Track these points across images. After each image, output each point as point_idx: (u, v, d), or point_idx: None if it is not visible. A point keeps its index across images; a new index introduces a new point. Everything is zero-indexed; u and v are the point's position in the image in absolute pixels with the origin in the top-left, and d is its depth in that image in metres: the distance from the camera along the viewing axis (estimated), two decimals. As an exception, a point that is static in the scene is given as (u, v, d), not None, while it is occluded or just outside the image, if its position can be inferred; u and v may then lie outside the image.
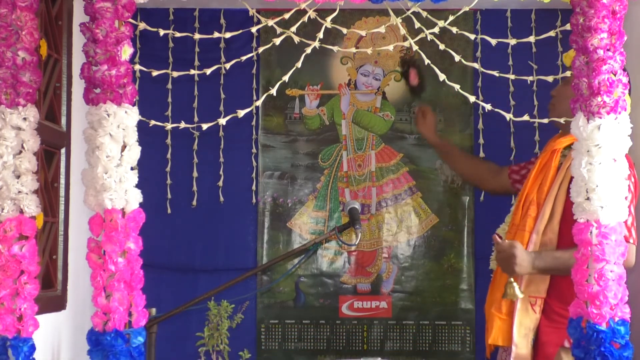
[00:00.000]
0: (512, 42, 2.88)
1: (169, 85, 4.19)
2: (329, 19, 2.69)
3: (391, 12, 2.73)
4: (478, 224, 4.24)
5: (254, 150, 4.29)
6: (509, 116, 2.74)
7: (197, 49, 4.20)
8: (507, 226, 3.29)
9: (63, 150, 3.42)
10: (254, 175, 4.28)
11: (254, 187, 4.28)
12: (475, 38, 2.95)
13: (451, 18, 2.71)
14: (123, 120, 2.41)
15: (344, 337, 4.25)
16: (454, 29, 2.73)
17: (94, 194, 2.40)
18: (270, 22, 2.69)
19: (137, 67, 2.69)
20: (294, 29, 2.66)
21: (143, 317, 2.44)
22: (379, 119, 4.32)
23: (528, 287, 3.06)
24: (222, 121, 2.76)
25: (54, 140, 3.35)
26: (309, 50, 2.69)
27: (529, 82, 3.12)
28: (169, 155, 4.24)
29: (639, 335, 2.98)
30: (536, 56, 4.16)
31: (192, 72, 2.83)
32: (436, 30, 2.71)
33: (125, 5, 2.39)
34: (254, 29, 2.81)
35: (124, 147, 2.42)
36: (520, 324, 3.04)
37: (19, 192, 2.47)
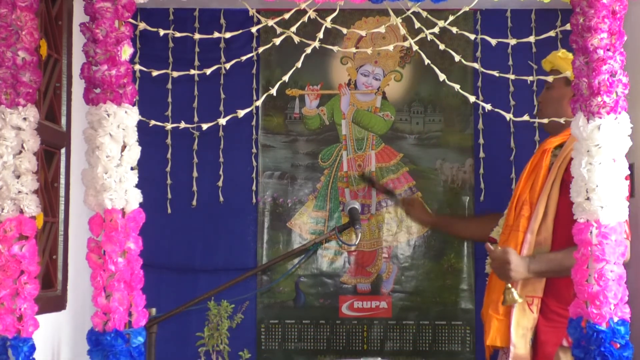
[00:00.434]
0: (512, 42, 2.88)
1: (169, 85, 4.19)
2: (329, 19, 2.69)
3: (391, 12, 2.73)
4: (478, 224, 4.24)
5: (254, 150, 4.29)
6: (509, 116, 2.74)
7: (197, 49, 4.20)
8: (501, 228, 3.29)
9: (63, 150, 3.42)
10: (254, 175, 4.28)
11: (254, 187, 4.28)
12: (475, 38, 2.95)
13: (451, 18, 2.71)
14: (123, 120, 2.41)
15: (344, 337, 4.25)
16: (454, 29, 2.73)
17: (94, 194, 2.40)
18: (270, 22, 2.69)
19: (137, 67, 2.69)
20: (294, 29, 2.66)
21: (143, 317, 2.43)
22: (379, 119, 4.32)
23: (525, 287, 3.06)
24: (222, 121, 2.76)
25: (54, 140, 3.35)
26: (309, 50, 2.69)
27: (529, 82, 3.12)
28: (169, 155, 4.24)
29: (639, 335, 2.98)
30: (536, 56, 4.15)
31: (192, 72, 2.83)
32: (436, 30, 2.71)
33: (125, 5, 2.39)
34: (254, 29, 2.82)
35: (124, 147, 2.42)
36: (517, 324, 3.04)
37: (19, 192, 2.47)
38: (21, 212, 2.48)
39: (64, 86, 3.44)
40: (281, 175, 4.31)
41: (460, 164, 4.30)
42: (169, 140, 4.21)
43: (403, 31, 2.85)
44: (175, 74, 2.77)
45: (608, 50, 2.40)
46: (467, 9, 2.77)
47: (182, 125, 2.72)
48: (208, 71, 2.73)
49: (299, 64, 2.71)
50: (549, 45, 3.82)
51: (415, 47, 2.71)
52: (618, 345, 2.34)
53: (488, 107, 2.78)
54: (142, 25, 2.64)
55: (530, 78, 2.97)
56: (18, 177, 2.49)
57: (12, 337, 2.43)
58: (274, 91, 2.73)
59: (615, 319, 2.35)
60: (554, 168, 3.11)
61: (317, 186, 4.31)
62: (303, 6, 2.58)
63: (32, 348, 2.46)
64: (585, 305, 2.38)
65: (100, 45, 2.38)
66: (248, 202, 4.28)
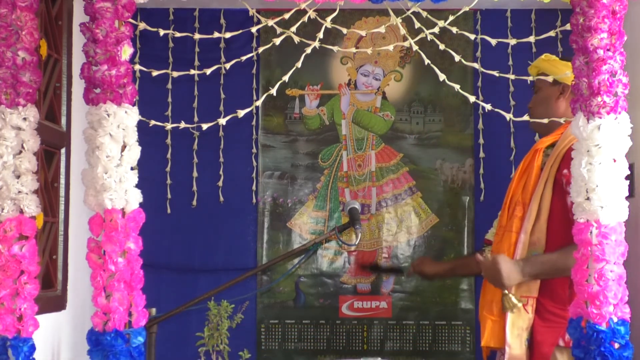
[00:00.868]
0: (512, 42, 2.87)
1: (169, 85, 4.19)
2: (329, 19, 2.69)
3: (391, 12, 2.73)
4: (478, 224, 4.24)
5: (254, 150, 4.29)
6: (509, 116, 2.74)
7: (197, 49, 4.21)
8: (496, 229, 3.28)
9: (63, 150, 3.42)
10: (254, 175, 4.29)
11: (254, 187, 4.28)
12: (475, 38, 2.95)
13: (451, 18, 2.71)
14: (123, 120, 2.40)
15: (344, 337, 4.25)
16: (454, 29, 2.73)
17: (94, 194, 2.39)
18: (270, 22, 2.69)
19: (137, 67, 2.69)
20: (294, 29, 2.66)
21: (143, 317, 2.43)
22: (379, 119, 4.32)
23: (519, 288, 3.05)
24: (222, 121, 2.75)
25: (54, 140, 3.35)
26: (309, 50, 2.69)
27: (529, 82, 3.12)
28: (169, 155, 4.24)
29: (639, 335, 2.98)
30: (536, 56, 4.09)
31: (192, 72, 2.82)
32: (436, 30, 2.71)
33: (125, 5, 2.39)
34: (254, 29, 2.81)
35: (124, 147, 2.42)
36: (513, 325, 3.03)
37: (19, 192, 2.47)
38: (21, 212, 2.47)
39: (64, 86, 3.44)
40: (281, 175, 4.31)
41: (460, 164, 4.30)
42: (169, 140, 4.21)
43: (403, 31, 2.85)
44: (175, 74, 2.77)
45: (608, 50, 2.39)
46: (467, 9, 2.77)
47: (182, 125, 2.72)
48: (208, 71, 2.73)
49: (299, 64, 2.71)
50: (549, 45, 3.82)
51: (415, 47, 2.71)
52: (618, 345, 2.34)
53: (488, 107, 2.78)
54: (142, 25, 2.64)
55: (530, 78, 2.97)
56: (18, 177, 2.48)
57: (12, 337, 2.42)
58: (274, 91, 2.73)
59: (615, 319, 2.35)
60: (546, 168, 3.10)
61: (317, 186, 4.31)
62: (303, 6, 2.58)
63: (32, 348, 2.45)
64: (585, 305, 2.38)
65: (100, 45, 2.38)
66: (248, 202, 4.28)
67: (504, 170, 4.21)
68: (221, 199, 4.26)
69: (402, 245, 4.29)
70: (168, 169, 4.24)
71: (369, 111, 4.33)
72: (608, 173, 2.38)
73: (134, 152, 2.44)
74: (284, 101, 4.32)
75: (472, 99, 2.78)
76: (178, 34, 2.73)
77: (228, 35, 2.79)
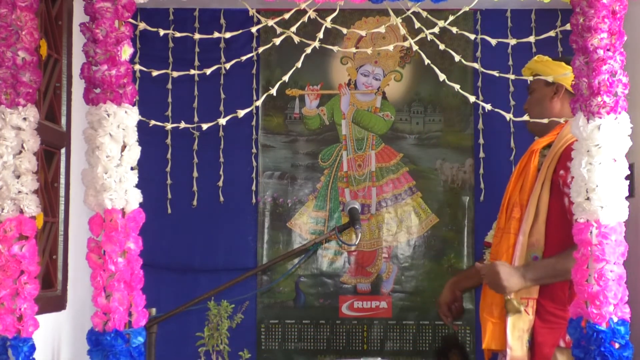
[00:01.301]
0: (512, 42, 2.87)
1: (169, 85, 4.19)
2: (329, 19, 2.69)
3: (391, 12, 2.73)
4: (478, 224, 4.24)
5: (254, 150, 4.29)
6: (509, 116, 2.73)
7: (197, 49, 4.20)
8: (494, 231, 3.28)
9: (63, 150, 3.42)
10: (254, 175, 4.29)
11: (254, 187, 4.28)
12: (475, 38, 2.94)
13: (451, 18, 2.71)
14: (123, 120, 2.40)
15: (344, 337, 4.25)
16: (454, 29, 2.72)
17: (94, 194, 2.39)
18: (270, 22, 2.68)
19: (137, 67, 2.69)
20: (294, 29, 2.66)
21: (143, 317, 2.43)
22: (379, 119, 4.32)
23: (519, 290, 3.05)
24: (222, 121, 2.75)
25: (54, 140, 3.35)
26: (309, 50, 2.69)
27: (528, 82, 3.12)
28: (169, 155, 4.24)
29: (639, 335, 2.98)
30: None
31: (192, 72, 2.82)
32: (436, 30, 2.71)
33: (125, 5, 2.39)
34: (254, 29, 2.81)
35: (124, 147, 2.42)
36: (513, 327, 3.03)
37: (19, 192, 2.47)
38: (21, 212, 2.47)
39: (64, 86, 3.44)
40: (281, 175, 4.31)
41: (460, 164, 4.30)
42: (169, 140, 4.21)
43: (403, 31, 2.85)
44: (175, 74, 2.77)
45: (608, 50, 2.39)
46: (467, 9, 2.77)
47: (182, 125, 2.72)
48: (208, 71, 2.73)
49: (299, 64, 2.71)
50: (549, 45, 3.82)
51: (415, 47, 2.71)
52: (618, 345, 2.34)
53: (488, 107, 2.78)
54: (142, 25, 2.64)
55: (530, 78, 2.97)
56: (18, 177, 2.48)
57: (12, 337, 2.42)
58: (274, 91, 2.72)
59: (615, 319, 2.35)
60: (542, 169, 3.10)
61: (317, 186, 4.31)
62: (303, 6, 2.57)
63: (32, 348, 2.45)
64: (585, 305, 2.38)
65: (100, 45, 2.38)
66: (248, 202, 4.28)
67: (504, 170, 4.19)
68: (221, 199, 4.26)
69: (402, 245, 4.29)
70: (168, 169, 4.24)
71: (369, 111, 4.33)
72: (608, 173, 2.38)
73: (134, 152, 2.44)
74: (284, 101, 4.32)
75: (472, 99, 2.78)
76: (178, 34, 2.73)
77: (228, 35, 2.79)
